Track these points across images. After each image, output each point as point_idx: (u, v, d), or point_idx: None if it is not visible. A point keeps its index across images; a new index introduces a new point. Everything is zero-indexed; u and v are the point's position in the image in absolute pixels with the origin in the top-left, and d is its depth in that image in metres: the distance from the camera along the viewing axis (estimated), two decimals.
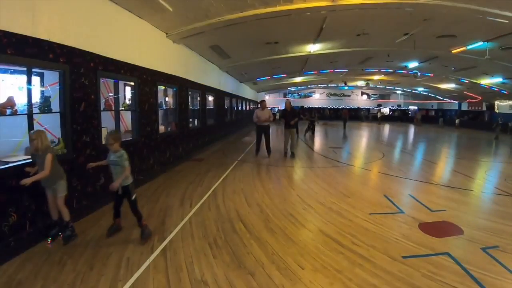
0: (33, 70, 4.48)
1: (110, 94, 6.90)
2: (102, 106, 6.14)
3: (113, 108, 6.74)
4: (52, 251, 4.10)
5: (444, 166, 11.13)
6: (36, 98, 4.77)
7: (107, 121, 6.45)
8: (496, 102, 29.49)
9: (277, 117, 12.63)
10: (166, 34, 8.73)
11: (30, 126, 4.29)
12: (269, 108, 12.34)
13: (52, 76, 5.00)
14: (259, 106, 12.06)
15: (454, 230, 4.97)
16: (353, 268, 3.78)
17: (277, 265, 3.81)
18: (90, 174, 5.51)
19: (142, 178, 7.46)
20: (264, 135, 11.63)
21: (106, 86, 6.81)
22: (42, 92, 4.95)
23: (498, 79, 20.07)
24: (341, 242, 4.49)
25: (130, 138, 7.30)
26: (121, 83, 7.20)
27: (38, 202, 4.35)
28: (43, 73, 5.00)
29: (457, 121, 33.29)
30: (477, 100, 31.30)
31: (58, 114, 4.97)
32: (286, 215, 5.58)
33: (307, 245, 4.43)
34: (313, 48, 13.38)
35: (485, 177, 9.23)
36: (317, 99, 44.70)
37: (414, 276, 3.58)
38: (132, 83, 7.30)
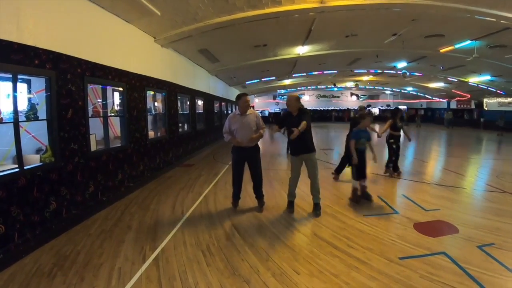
0: (19, 77, 4.36)
1: (98, 100, 6.79)
2: (90, 113, 6.02)
3: (101, 115, 6.62)
4: (42, 262, 3.98)
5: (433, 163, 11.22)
6: (22, 105, 4.65)
7: (95, 127, 6.34)
8: (485, 100, 30.01)
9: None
10: (154, 38, 8.65)
11: (17, 134, 4.17)
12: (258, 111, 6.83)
13: (39, 83, 4.88)
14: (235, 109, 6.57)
15: (450, 229, 4.98)
16: (350, 271, 3.74)
17: (273, 271, 3.75)
18: (79, 182, 5.40)
19: (132, 185, 7.35)
20: (250, 167, 6.07)
21: (94, 92, 6.69)
22: (29, 99, 4.83)
23: (486, 77, 20.39)
24: (336, 246, 4.45)
25: (120, 145, 7.17)
26: (109, 89, 7.09)
27: (26, 212, 4.23)
28: (30, 80, 4.88)
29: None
30: (465, 98, 31.87)
31: (45, 121, 4.82)
32: (279, 219, 5.53)
33: (302, 249, 4.37)
34: (302, 50, 13.42)
35: (477, 174, 9.32)
36: (307, 101, 44.88)
37: (412, 277, 3.56)
38: (121, 89, 7.19)
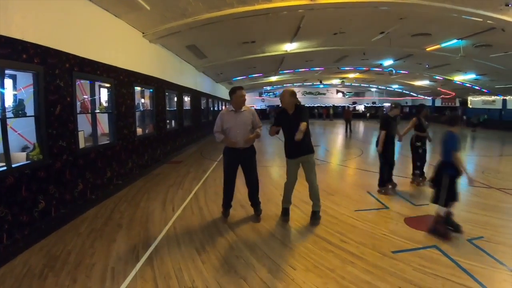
0: (6, 72, 4.20)
1: (84, 96, 6.62)
2: (78, 109, 5.87)
3: (90, 111, 6.47)
4: (32, 263, 3.86)
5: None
6: (9, 101, 4.50)
7: (82, 124, 6.19)
8: (469, 98, 30.77)
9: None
10: (143, 33, 8.50)
11: (4, 131, 4.02)
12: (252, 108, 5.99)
13: (25, 79, 4.72)
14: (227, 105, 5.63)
15: None
16: (345, 266, 3.79)
17: (268, 268, 3.75)
18: (67, 180, 5.27)
19: (121, 183, 7.23)
20: (246, 171, 5.34)
21: (80, 88, 6.53)
22: (15, 95, 4.67)
23: (471, 76, 20.79)
24: (329, 241, 4.49)
25: (108, 141, 7.04)
26: (95, 85, 6.93)
27: (15, 212, 4.10)
28: (15, 75, 4.72)
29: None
30: (450, 96, 32.55)
31: (31, 118, 4.67)
32: (271, 215, 5.50)
33: (296, 245, 4.39)
34: (290, 47, 13.43)
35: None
36: None
37: (406, 270, 3.64)
38: (108, 85, 7.03)
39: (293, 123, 4.76)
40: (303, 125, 4.59)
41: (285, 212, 5.39)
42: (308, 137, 5.10)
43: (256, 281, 3.47)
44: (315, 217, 5.23)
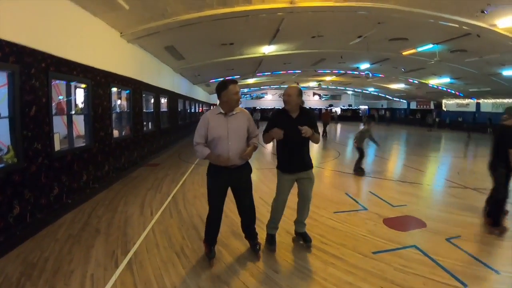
0: None
1: (60, 97, 6.43)
2: (54, 110, 5.69)
3: (65, 112, 6.29)
4: (9, 271, 3.69)
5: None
6: None
7: (57, 126, 5.99)
8: (444, 101, 31.97)
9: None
10: (121, 33, 8.31)
11: None
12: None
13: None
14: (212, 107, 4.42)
15: (418, 224, 5.26)
16: (326, 267, 3.84)
17: (251, 272, 3.75)
18: (43, 184, 5.10)
19: (97, 186, 7.05)
20: (238, 195, 4.06)
21: (55, 89, 6.33)
22: None
23: (446, 80, 21.56)
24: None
25: (84, 144, 6.85)
26: (71, 86, 6.74)
27: None
28: None
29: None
30: (425, 99, 34.00)
31: (5, 120, 4.45)
32: None
33: (277, 248, 4.38)
34: (268, 49, 13.56)
35: (438, 171, 9.83)
36: (270, 100, 45.23)
37: (387, 270, 3.73)
38: (84, 86, 6.84)
39: (298, 129, 3.87)
40: (306, 129, 3.85)
41: (271, 240, 4.40)
42: (308, 148, 4.23)
43: (239, 285, 3.46)
44: (307, 239, 4.46)
